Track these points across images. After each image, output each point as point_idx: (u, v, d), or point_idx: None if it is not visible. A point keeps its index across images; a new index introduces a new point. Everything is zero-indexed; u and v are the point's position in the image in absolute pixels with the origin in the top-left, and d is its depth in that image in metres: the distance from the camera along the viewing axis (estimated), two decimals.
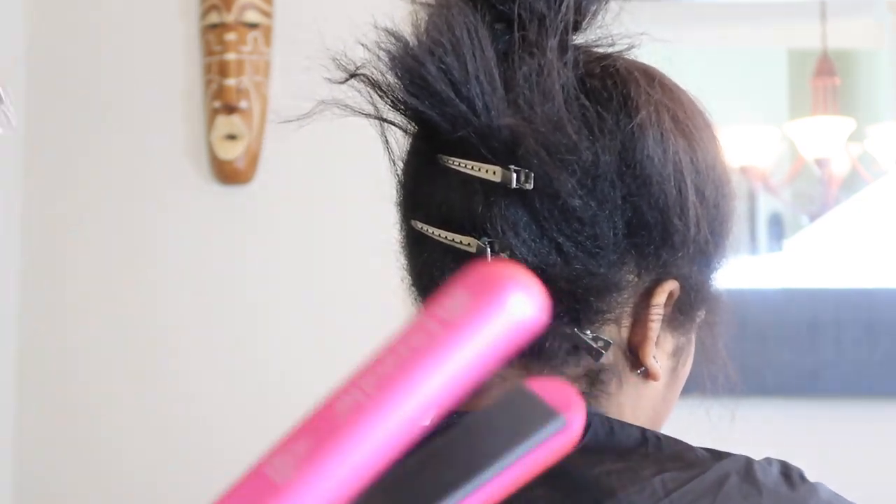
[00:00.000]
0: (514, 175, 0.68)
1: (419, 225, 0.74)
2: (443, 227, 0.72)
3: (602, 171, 0.70)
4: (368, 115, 0.76)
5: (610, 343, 0.71)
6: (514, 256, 0.70)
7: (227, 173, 1.69)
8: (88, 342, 1.67)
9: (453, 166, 0.71)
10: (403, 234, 0.77)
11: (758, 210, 1.86)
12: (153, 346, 1.71)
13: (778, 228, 1.87)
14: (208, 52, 1.69)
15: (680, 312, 0.74)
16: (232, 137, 1.68)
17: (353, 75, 0.75)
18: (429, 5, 0.72)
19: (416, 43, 0.70)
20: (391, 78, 0.72)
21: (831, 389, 1.66)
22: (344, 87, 0.75)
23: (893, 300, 1.69)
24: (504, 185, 0.69)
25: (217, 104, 1.68)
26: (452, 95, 0.69)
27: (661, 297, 0.72)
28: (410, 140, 0.76)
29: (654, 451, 0.69)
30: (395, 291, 1.87)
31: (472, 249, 0.70)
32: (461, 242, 0.71)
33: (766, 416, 1.54)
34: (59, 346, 1.68)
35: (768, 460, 0.70)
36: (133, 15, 1.74)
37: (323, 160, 1.71)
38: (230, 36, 1.68)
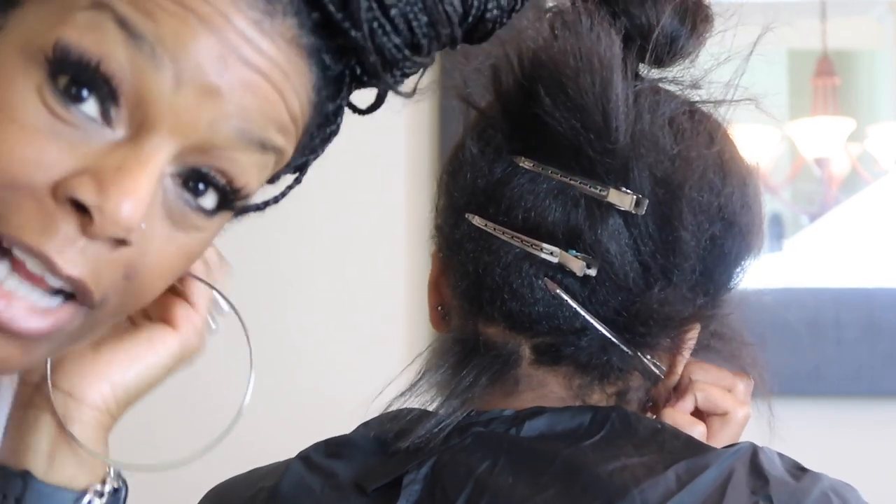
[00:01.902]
0: (633, 199, 0.69)
1: (485, 223, 0.73)
2: (525, 233, 0.71)
3: (708, 209, 0.72)
4: (468, 103, 0.76)
5: (664, 370, 0.72)
6: (604, 274, 0.70)
7: None
8: None
9: (553, 175, 0.70)
10: (456, 231, 0.75)
11: None
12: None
13: (778, 228, 1.87)
14: None
15: (695, 351, 0.76)
16: None
17: (478, 61, 0.75)
18: (580, 22, 0.71)
19: (566, 54, 0.70)
20: (520, 77, 0.72)
21: (831, 389, 1.66)
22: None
23: (893, 300, 1.69)
24: (610, 204, 0.69)
25: None
26: (596, 112, 0.69)
27: (694, 336, 0.74)
28: (485, 136, 0.75)
29: (670, 438, 0.70)
30: (396, 291, 1.87)
31: (555, 260, 0.70)
32: (542, 250, 0.70)
33: (766, 415, 1.54)
34: None
35: (769, 449, 0.70)
36: None
37: (323, 160, 1.70)
38: None
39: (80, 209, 0.53)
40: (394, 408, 0.74)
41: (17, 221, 0.53)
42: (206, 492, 0.79)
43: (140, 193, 0.53)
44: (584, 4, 0.71)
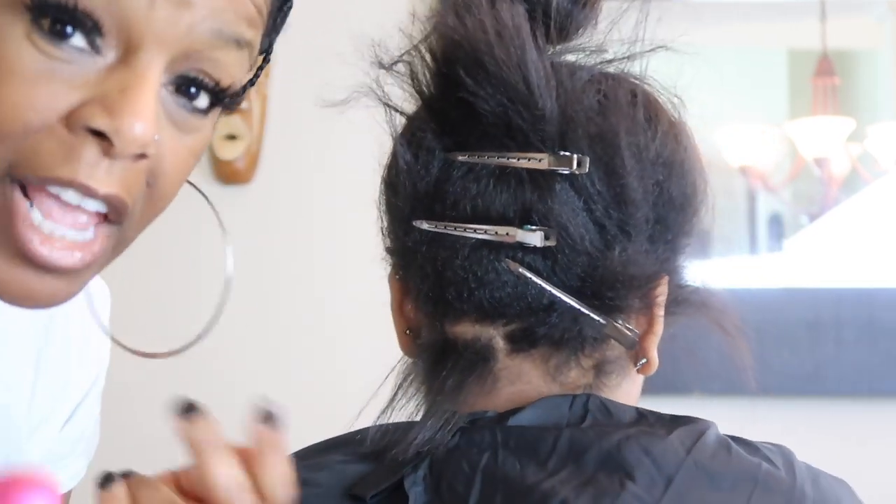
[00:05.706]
0: (574, 159, 0.69)
1: (433, 224, 0.72)
2: (476, 222, 0.71)
3: (647, 154, 0.72)
4: (389, 107, 0.76)
5: (638, 333, 0.72)
6: (562, 241, 0.70)
7: (227, 173, 1.69)
8: None
9: (486, 160, 0.71)
10: (408, 239, 0.74)
11: (758, 210, 1.86)
12: (149, 346, 1.71)
13: (778, 228, 1.87)
14: None
15: (669, 305, 0.75)
16: (232, 137, 1.68)
17: (392, 64, 0.75)
18: (482, 4, 0.72)
19: (477, 32, 0.70)
20: (437, 67, 0.72)
21: (831, 389, 1.66)
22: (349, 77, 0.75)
23: (893, 300, 1.69)
24: (554, 171, 0.69)
25: None
26: (518, 81, 0.69)
27: (664, 290, 0.73)
28: (415, 140, 0.74)
29: (654, 419, 0.71)
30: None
31: (513, 239, 0.70)
32: (497, 234, 0.70)
33: (766, 415, 1.54)
34: None
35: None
36: None
37: (323, 160, 1.71)
38: None
39: (98, 135, 0.57)
40: (377, 423, 0.74)
41: (43, 161, 0.58)
42: None
43: (147, 109, 0.58)
44: None
